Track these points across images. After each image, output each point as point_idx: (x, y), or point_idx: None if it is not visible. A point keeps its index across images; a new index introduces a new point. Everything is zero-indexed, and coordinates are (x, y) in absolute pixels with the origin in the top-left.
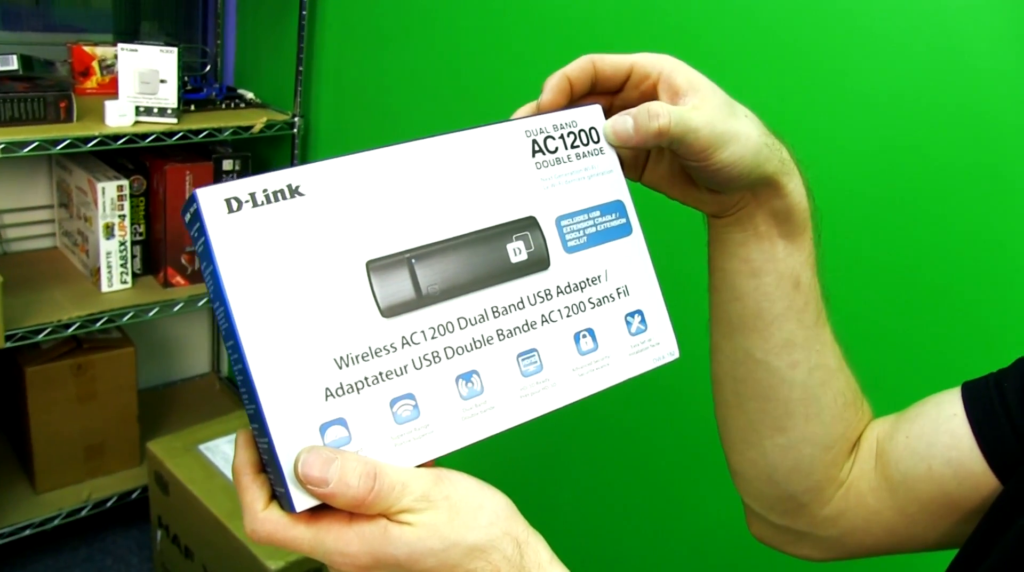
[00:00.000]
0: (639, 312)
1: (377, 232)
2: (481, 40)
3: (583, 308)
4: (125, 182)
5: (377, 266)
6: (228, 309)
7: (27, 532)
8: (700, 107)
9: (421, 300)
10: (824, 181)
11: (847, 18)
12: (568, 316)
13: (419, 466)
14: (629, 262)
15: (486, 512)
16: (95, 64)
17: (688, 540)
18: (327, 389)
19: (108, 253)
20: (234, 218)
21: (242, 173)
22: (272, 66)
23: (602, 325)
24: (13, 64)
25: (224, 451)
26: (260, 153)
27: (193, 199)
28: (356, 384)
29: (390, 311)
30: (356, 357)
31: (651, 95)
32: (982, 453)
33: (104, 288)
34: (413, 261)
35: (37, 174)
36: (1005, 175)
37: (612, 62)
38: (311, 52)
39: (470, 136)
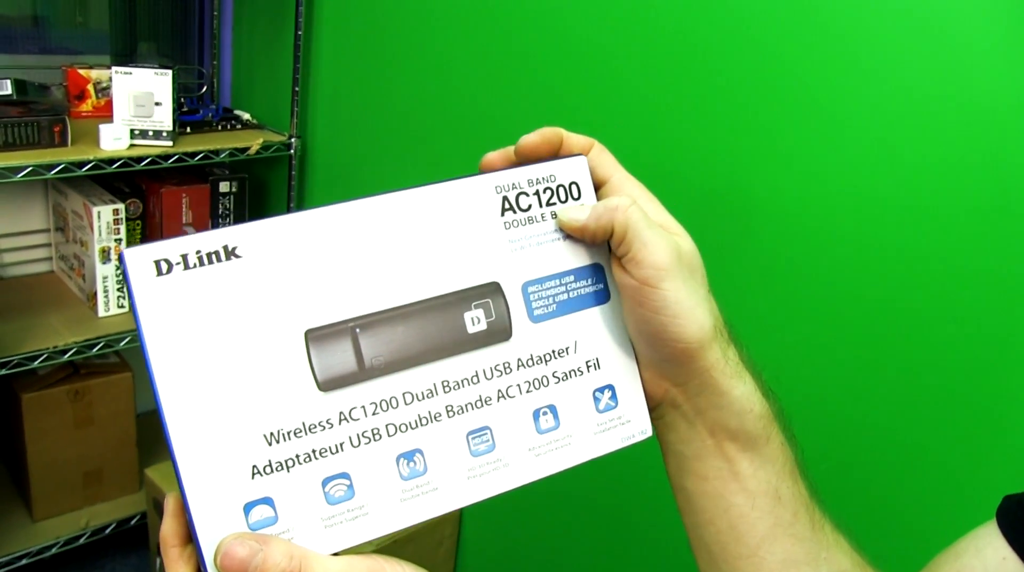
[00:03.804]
0: (610, 387)
1: (320, 299)
2: (479, 62)
3: (546, 383)
4: (121, 206)
5: (317, 336)
6: (151, 377)
7: (24, 561)
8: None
9: (363, 373)
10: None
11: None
12: (528, 392)
13: (359, 550)
14: (603, 332)
15: None
16: (90, 87)
17: None
18: (254, 467)
19: (105, 277)
20: (163, 281)
21: (239, 195)
22: (268, 87)
23: (566, 401)
24: (7, 89)
25: None
26: (257, 174)
27: (121, 260)
28: (286, 462)
29: (328, 385)
30: (288, 433)
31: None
32: None
33: (101, 313)
34: (357, 331)
35: (33, 198)
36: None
37: (602, 164)
38: (307, 73)
39: (431, 192)
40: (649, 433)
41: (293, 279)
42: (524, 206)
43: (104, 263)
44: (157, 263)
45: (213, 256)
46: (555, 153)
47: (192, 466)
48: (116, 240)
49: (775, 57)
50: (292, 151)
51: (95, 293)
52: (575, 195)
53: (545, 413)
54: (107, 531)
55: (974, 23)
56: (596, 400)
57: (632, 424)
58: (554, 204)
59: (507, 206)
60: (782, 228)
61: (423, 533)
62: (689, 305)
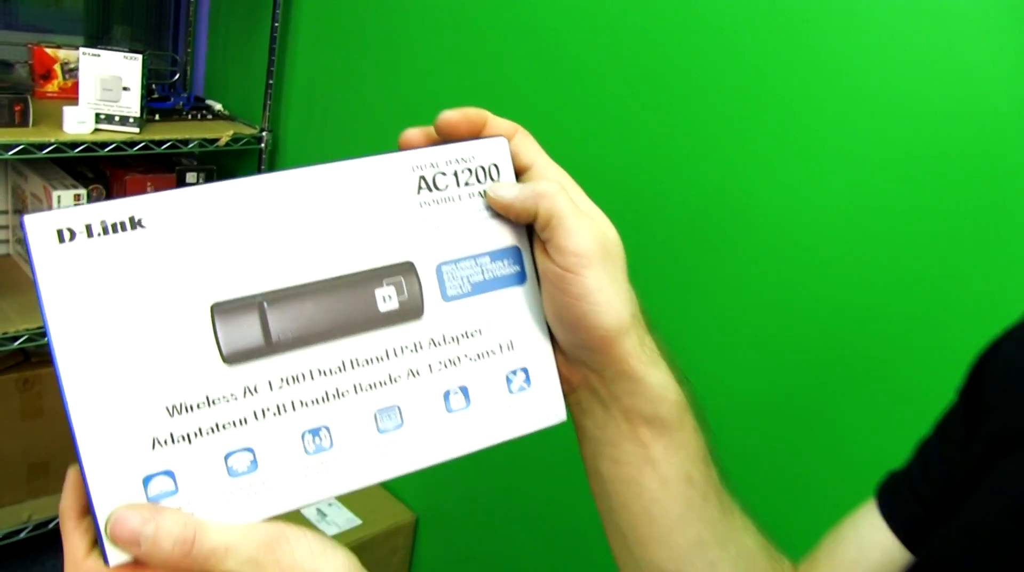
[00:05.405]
0: (523, 369)
1: (228, 272)
2: (456, 65)
3: (457, 362)
4: (83, 191)
5: (223, 309)
6: (51, 347)
7: None
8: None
9: (270, 347)
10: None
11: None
12: (439, 371)
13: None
14: (518, 314)
15: None
16: (57, 67)
17: None
18: (155, 438)
19: None
20: (65, 249)
21: None
22: (242, 78)
23: (478, 382)
24: None
25: None
26: (226, 167)
27: (21, 225)
28: (188, 434)
29: (233, 358)
30: (191, 405)
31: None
32: (900, 541)
33: None
34: (265, 305)
35: None
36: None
37: (526, 149)
38: (282, 66)
39: (346, 168)
40: (563, 417)
41: (200, 252)
42: (441, 186)
43: None
44: (59, 231)
45: (118, 226)
46: (477, 134)
47: (90, 437)
48: None
49: (750, 63)
50: (263, 145)
51: None
52: (494, 177)
53: (456, 393)
54: (50, 526)
55: (952, 38)
56: (508, 382)
57: (545, 407)
58: (472, 185)
59: (423, 185)
60: (753, 233)
61: (377, 541)
62: (609, 294)
